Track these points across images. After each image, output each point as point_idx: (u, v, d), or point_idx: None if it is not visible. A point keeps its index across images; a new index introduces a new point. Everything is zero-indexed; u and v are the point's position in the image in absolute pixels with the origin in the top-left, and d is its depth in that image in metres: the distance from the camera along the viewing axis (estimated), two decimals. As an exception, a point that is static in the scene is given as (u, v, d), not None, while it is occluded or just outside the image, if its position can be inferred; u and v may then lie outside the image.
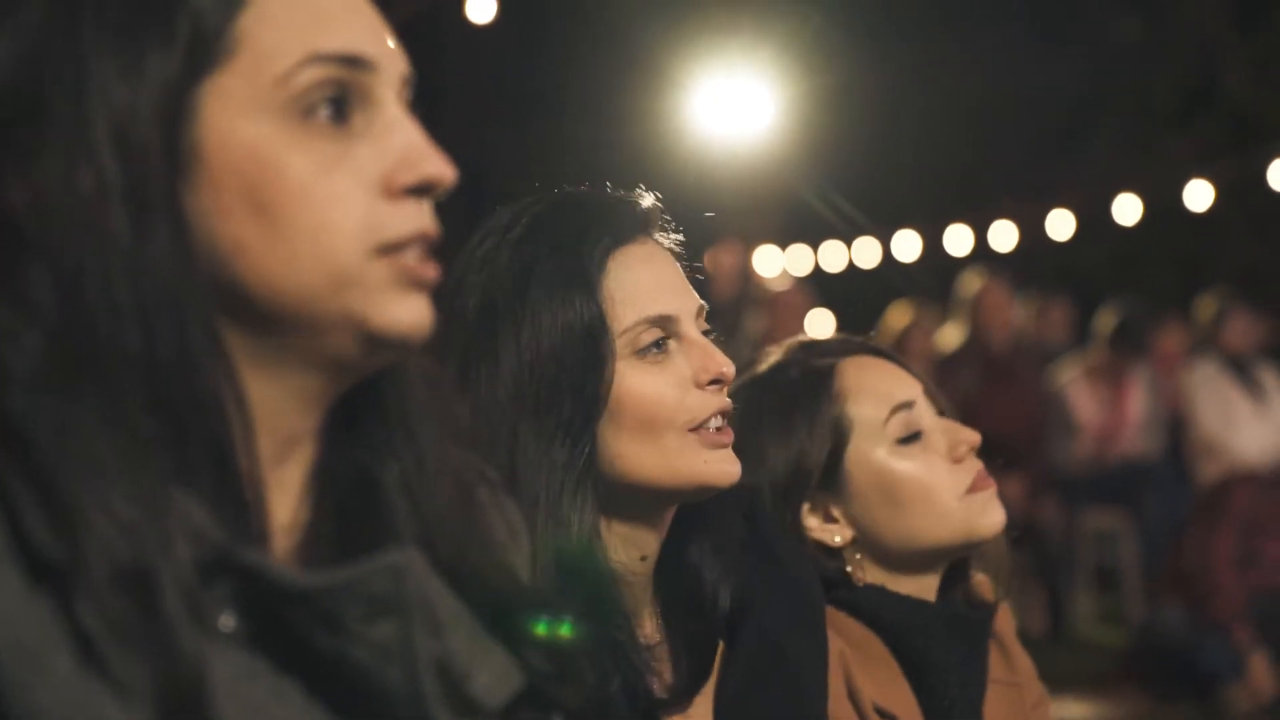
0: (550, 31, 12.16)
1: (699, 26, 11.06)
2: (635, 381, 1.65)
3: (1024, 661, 2.12)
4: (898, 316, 8.73)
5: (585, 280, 1.64)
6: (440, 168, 1.09)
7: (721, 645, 1.76)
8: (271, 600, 1.02)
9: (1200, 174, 11.07)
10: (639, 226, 1.71)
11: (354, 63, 1.07)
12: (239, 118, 1.04)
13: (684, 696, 1.70)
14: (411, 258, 1.08)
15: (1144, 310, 8.99)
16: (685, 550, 1.74)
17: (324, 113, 1.06)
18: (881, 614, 1.99)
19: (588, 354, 1.63)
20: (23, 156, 1.01)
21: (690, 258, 1.76)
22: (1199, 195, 11.03)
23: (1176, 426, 8.45)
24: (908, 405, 2.01)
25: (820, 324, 8.32)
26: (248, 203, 1.03)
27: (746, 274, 9.33)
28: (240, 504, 1.03)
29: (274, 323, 1.05)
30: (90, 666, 0.95)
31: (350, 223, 1.05)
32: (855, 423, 2.00)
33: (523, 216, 1.69)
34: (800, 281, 9.58)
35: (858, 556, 2.01)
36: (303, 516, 1.12)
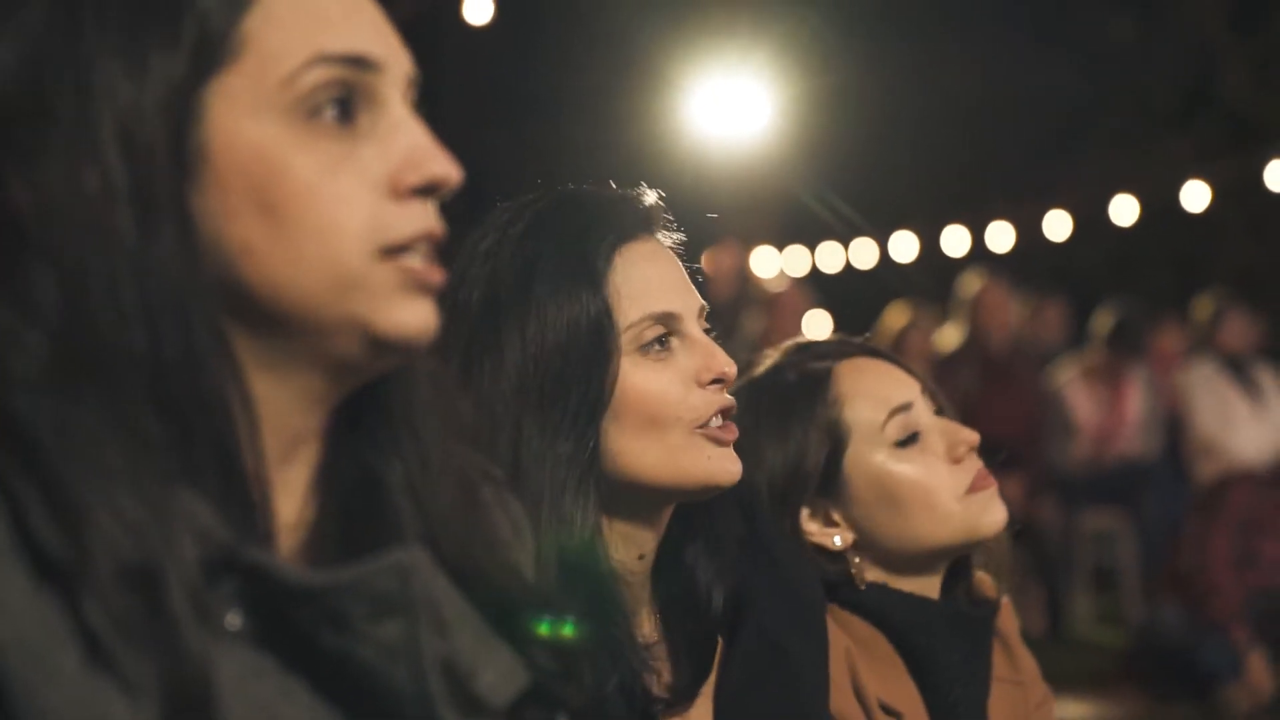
0: (547, 33, 12.16)
1: (696, 27, 11.07)
2: (638, 378, 1.65)
3: (1028, 661, 2.12)
4: (895, 317, 8.73)
5: (591, 275, 1.64)
6: (446, 168, 1.09)
7: (721, 644, 1.76)
8: (277, 599, 1.02)
9: (1198, 175, 11.09)
10: (643, 224, 1.71)
11: (359, 63, 1.07)
12: (245, 118, 1.04)
13: (684, 696, 1.70)
14: (417, 260, 1.08)
15: (1141, 311, 8.99)
16: (682, 550, 1.74)
17: (330, 113, 1.06)
18: (885, 612, 1.99)
19: (593, 348, 1.63)
20: (26, 157, 1.01)
21: (688, 258, 1.76)
22: (1196, 196, 11.04)
23: (1174, 426, 8.46)
24: (905, 407, 2.01)
25: (818, 325, 8.31)
26: (253, 203, 1.03)
27: (744, 275, 9.33)
28: (246, 503, 1.03)
29: (279, 324, 1.05)
30: (96, 665, 0.95)
31: (356, 223, 1.05)
32: (853, 427, 2.00)
33: (525, 212, 1.69)
34: (799, 282, 9.57)
35: (858, 559, 2.01)
36: (307, 516, 1.12)
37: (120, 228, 1.00)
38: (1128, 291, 10.06)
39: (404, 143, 1.08)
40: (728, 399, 1.69)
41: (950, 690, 1.97)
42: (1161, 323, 9.81)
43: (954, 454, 2.01)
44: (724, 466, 1.68)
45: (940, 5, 13.97)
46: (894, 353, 2.18)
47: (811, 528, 2.01)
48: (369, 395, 1.13)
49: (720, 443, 1.68)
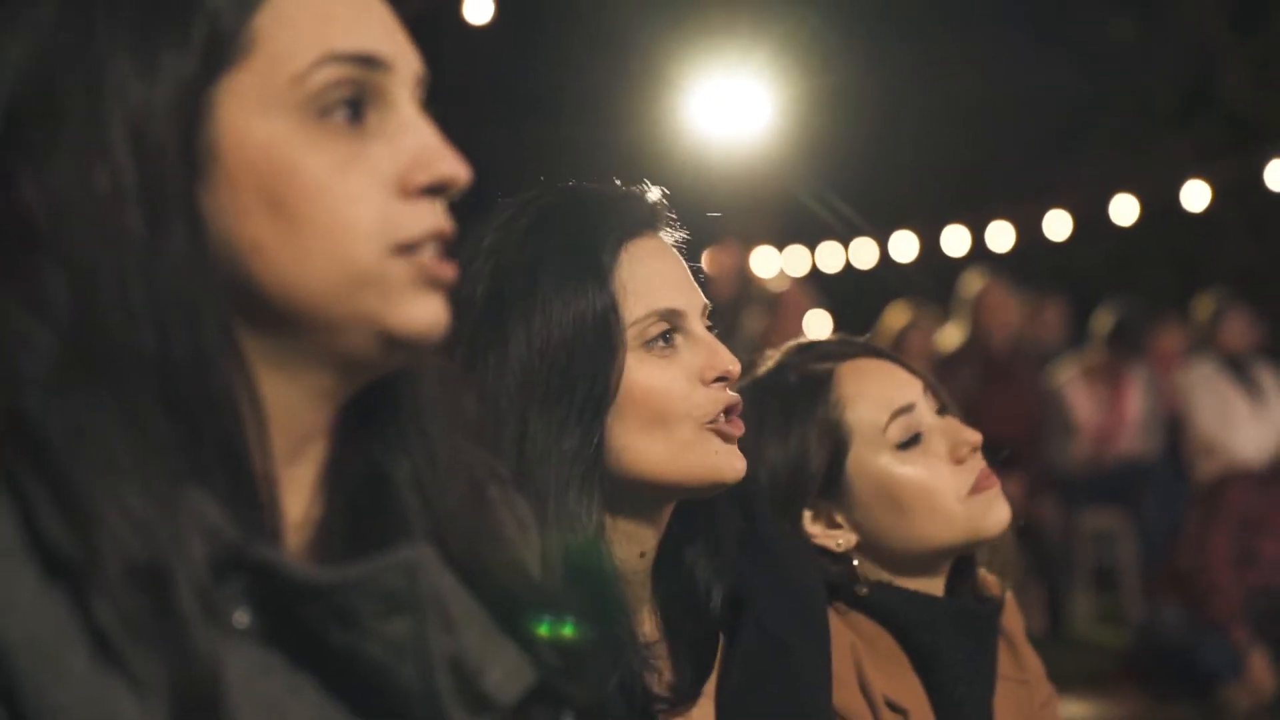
0: (547, 33, 12.16)
1: (696, 27, 11.07)
2: (643, 374, 1.65)
3: (1033, 661, 2.11)
4: (895, 317, 8.73)
5: (597, 270, 1.64)
6: (455, 168, 1.09)
7: (722, 642, 1.75)
8: (285, 597, 1.02)
9: (1198, 174, 11.09)
10: (647, 221, 1.71)
11: (369, 62, 1.07)
12: (255, 117, 1.04)
13: (686, 697, 1.70)
14: (428, 256, 1.08)
15: (1142, 310, 8.99)
16: (682, 548, 1.74)
17: (340, 114, 1.06)
18: (889, 610, 1.98)
19: (599, 344, 1.62)
20: (36, 156, 1.01)
21: (688, 258, 1.76)
22: (1196, 196, 11.04)
23: (1175, 426, 8.46)
24: (907, 409, 2.01)
25: (818, 325, 8.31)
26: (264, 202, 1.03)
27: (744, 275, 9.33)
28: (254, 502, 1.04)
29: (289, 322, 1.06)
30: (105, 664, 0.96)
31: (367, 222, 1.05)
32: (855, 430, 2.00)
33: (529, 208, 1.69)
34: (801, 281, 9.57)
35: (861, 561, 2.01)
36: (314, 513, 1.12)
37: (130, 227, 1.00)
38: (1128, 291, 10.06)
39: (413, 142, 1.08)
40: (733, 396, 1.69)
41: (955, 688, 1.97)
42: (1162, 322, 9.81)
43: (956, 455, 2.01)
44: (730, 462, 1.68)
45: (940, 5, 13.96)
46: (894, 353, 2.18)
47: (814, 530, 2.01)
48: (376, 392, 1.13)
49: (727, 438, 1.67)
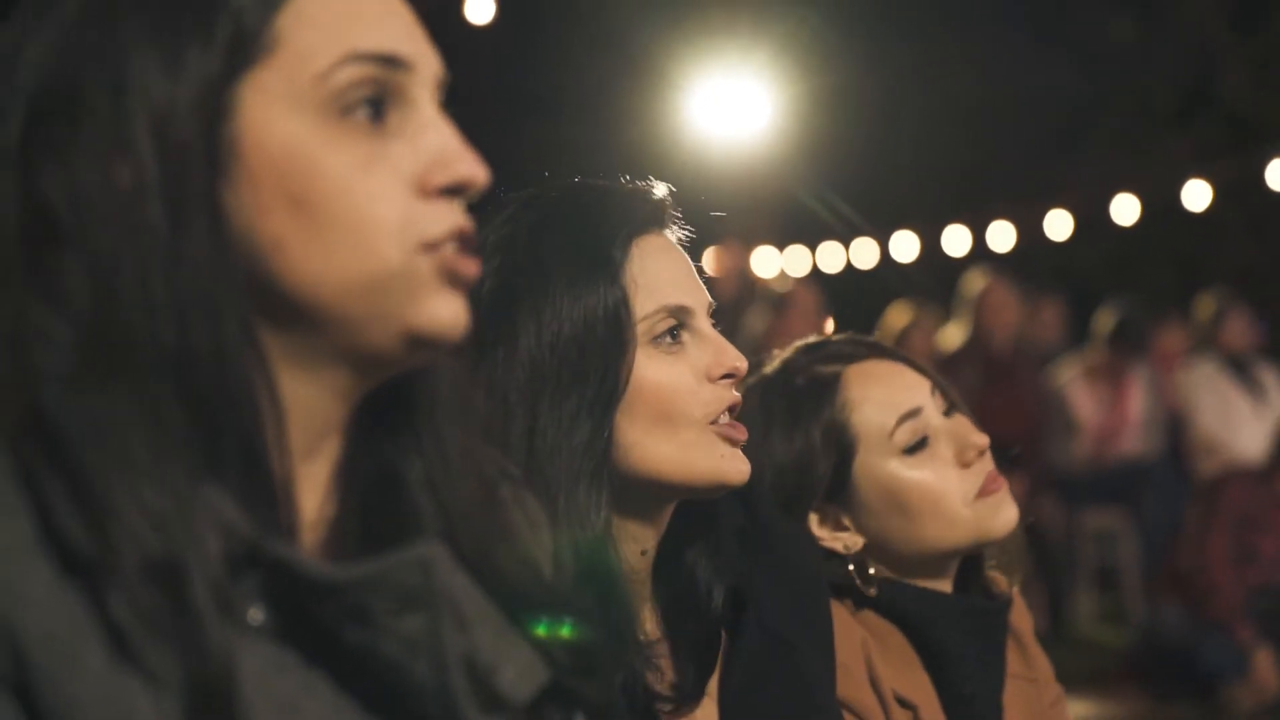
0: (548, 33, 12.16)
1: (697, 27, 11.07)
2: (651, 370, 1.64)
3: (1041, 660, 2.11)
4: (896, 317, 8.72)
5: (609, 265, 1.63)
6: (474, 169, 1.09)
7: (724, 641, 1.75)
8: (300, 594, 1.02)
9: (1198, 174, 11.09)
10: (655, 217, 1.71)
11: (391, 62, 1.07)
12: (278, 115, 1.04)
13: (689, 696, 1.70)
14: (451, 252, 1.08)
15: (1143, 310, 8.99)
16: (682, 547, 1.73)
17: (362, 113, 1.06)
18: (899, 607, 1.98)
19: (610, 338, 1.62)
20: (59, 153, 1.01)
21: (690, 257, 1.76)
22: (1197, 195, 11.05)
23: (1176, 426, 8.46)
24: (914, 413, 2.00)
25: (821, 325, 8.30)
26: (286, 199, 1.04)
27: (745, 275, 9.33)
28: (270, 498, 1.04)
29: (310, 319, 1.06)
30: (121, 659, 0.96)
31: (390, 220, 1.05)
32: (861, 434, 2.00)
33: (536, 204, 1.69)
34: (805, 282, 9.56)
35: (867, 562, 2.01)
36: (328, 511, 1.12)
37: (152, 223, 1.01)
38: (1129, 291, 10.07)
39: (434, 142, 1.09)
40: (735, 395, 1.69)
41: (965, 685, 1.97)
42: (1163, 322, 9.81)
43: (963, 458, 2.00)
44: (735, 466, 1.67)
45: (940, 5, 13.96)
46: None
47: (821, 532, 2.00)
48: (389, 391, 1.13)
49: (732, 441, 1.67)
